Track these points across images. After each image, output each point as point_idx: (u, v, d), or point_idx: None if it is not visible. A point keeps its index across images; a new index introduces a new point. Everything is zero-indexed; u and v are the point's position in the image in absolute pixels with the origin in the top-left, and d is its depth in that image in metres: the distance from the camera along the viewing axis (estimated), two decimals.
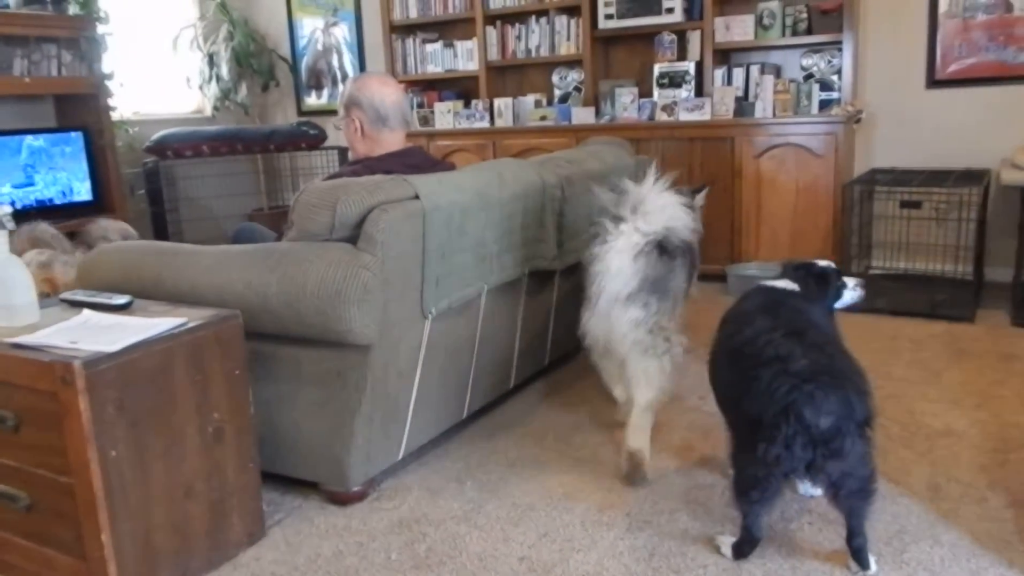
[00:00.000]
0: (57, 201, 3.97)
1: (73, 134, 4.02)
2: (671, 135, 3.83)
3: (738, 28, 3.77)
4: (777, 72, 3.82)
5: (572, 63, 4.32)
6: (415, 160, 2.16)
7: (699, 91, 3.89)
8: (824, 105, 3.62)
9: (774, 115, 3.64)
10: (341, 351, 1.75)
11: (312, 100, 5.42)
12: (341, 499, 1.86)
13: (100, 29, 4.07)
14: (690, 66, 3.87)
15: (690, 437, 2.17)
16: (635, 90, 4.02)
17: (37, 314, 1.60)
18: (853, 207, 3.36)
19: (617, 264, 1.90)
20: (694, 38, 3.90)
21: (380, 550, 1.68)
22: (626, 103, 4.01)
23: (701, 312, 3.45)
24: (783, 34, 3.71)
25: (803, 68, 3.73)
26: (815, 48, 3.70)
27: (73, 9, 4.00)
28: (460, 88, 4.75)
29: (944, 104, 3.62)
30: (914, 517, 1.71)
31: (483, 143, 4.37)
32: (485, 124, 4.42)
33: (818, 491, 1.70)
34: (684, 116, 3.81)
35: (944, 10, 3.54)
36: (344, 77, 5.29)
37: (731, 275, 3.66)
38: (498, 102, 4.40)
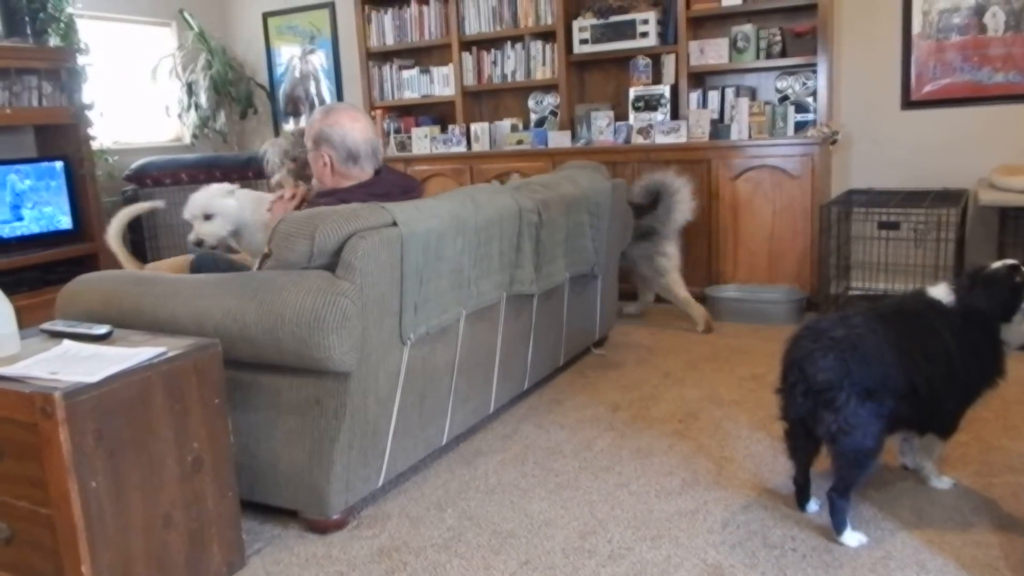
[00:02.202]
0: (44, 231, 4.06)
1: (54, 164, 4.11)
2: (647, 158, 3.95)
3: (712, 51, 3.91)
4: (752, 94, 3.96)
5: (548, 87, 4.46)
6: (384, 189, 2.21)
7: (675, 114, 4.02)
8: (799, 127, 3.74)
9: (750, 137, 3.77)
10: (320, 378, 1.81)
11: (290, 127, 5.50)
12: (321, 527, 1.90)
13: (80, 60, 4.17)
14: (665, 89, 4.00)
15: (669, 462, 2.23)
16: (611, 113, 4.15)
17: (18, 345, 1.65)
18: (830, 228, 3.46)
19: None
20: (669, 62, 4.04)
21: None
22: (602, 126, 4.13)
23: (676, 335, 3.53)
24: (757, 57, 3.85)
25: (778, 90, 3.87)
26: (789, 70, 3.85)
27: (54, 41, 4.09)
28: (437, 113, 4.87)
29: (919, 125, 3.76)
30: (899, 542, 1.75)
31: (460, 167, 4.47)
32: (462, 149, 4.53)
33: (945, 483, 2.00)
34: (660, 139, 3.93)
35: (918, 31, 3.69)
36: (322, 103, 5.39)
37: (709, 296, 3.75)
38: (475, 127, 4.52)
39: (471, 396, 2.34)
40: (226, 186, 2.40)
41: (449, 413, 2.24)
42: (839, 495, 1.74)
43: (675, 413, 2.58)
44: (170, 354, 1.60)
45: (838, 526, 1.75)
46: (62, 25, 4.11)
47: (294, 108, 5.48)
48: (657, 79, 4.10)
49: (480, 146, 4.49)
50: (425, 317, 2.00)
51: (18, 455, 1.46)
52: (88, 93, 4.24)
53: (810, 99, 3.78)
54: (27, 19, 4.04)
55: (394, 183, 2.29)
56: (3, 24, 4.03)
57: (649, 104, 4.02)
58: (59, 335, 1.75)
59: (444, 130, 4.65)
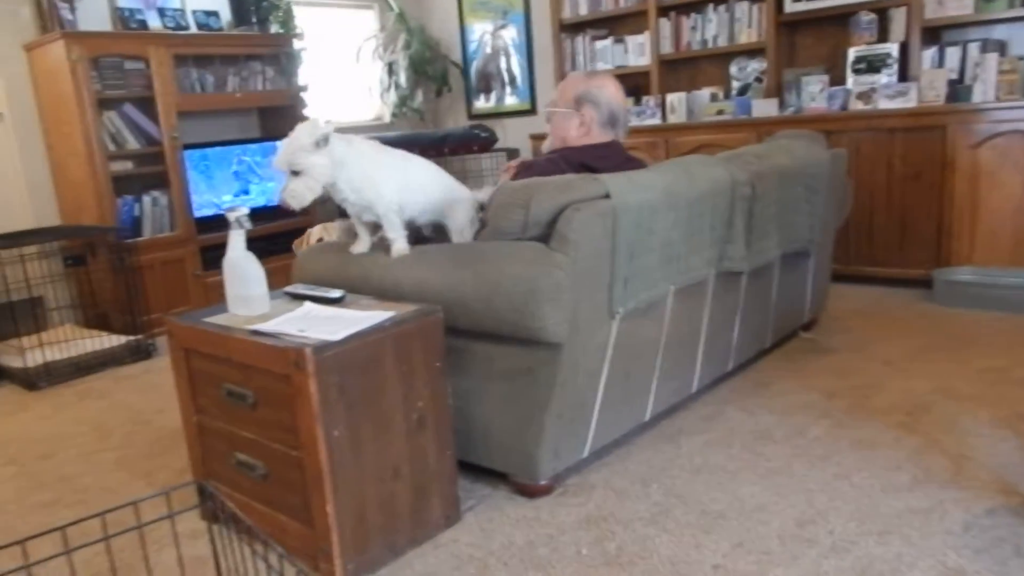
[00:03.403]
0: (267, 205, 4.60)
1: (275, 143, 4.62)
2: (868, 126, 3.66)
3: (953, 1, 3.53)
4: (1002, 49, 3.54)
5: (753, 52, 4.27)
6: (607, 152, 2.27)
7: (903, 75, 3.69)
8: None
9: (997, 99, 3.37)
10: (531, 348, 1.89)
11: (481, 103, 5.73)
12: (529, 491, 2.01)
13: (296, 45, 4.62)
14: (893, 48, 3.69)
15: (896, 456, 2.10)
16: (825, 78, 3.90)
17: (268, 304, 1.89)
18: None
19: None
20: (898, 16, 3.71)
21: (570, 544, 1.80)
22: (814, 92, 3.89)
23: (896, 321, 3.28)
24: (1012, 3, 3.42)
25: None
26: None
27: (274, 28, 4.57)
28: (631, 84, 4.81)
29: None
30: None
31: (654, 141, 4.41)
32: (657, 121, 4.47)
33: None
34: (884, 104, 3.63)
35: None
36: (512, 80, 5.54)
37: (938, 280, 3.44)
38: (671, 97, 4.43)
39: (675, 374, 2.34)
40: (321, 128, 1.95)
41: (653, 390, 2.26)
42: None
43: (900, 404, 2.41)
44: (398, 318, 1.75)
45: None
46: (281, 13, 4.58)
47: (486, 85, 5.69)
48: (883, 37, 3.78)
49: (676, 117, 4.41)
50: (634, 291, 2.02)
51: (273, 403, 1.68)
52: (303, 76, 4.69)
53: None
54: (252, 9, 4.55)
55: (620, 154, 2.36)
56: (233, 15, 4.57)
57: (872, 65, 3.72)
58: (300, 297, 1.97)
59: (638, 102, 4.61)
